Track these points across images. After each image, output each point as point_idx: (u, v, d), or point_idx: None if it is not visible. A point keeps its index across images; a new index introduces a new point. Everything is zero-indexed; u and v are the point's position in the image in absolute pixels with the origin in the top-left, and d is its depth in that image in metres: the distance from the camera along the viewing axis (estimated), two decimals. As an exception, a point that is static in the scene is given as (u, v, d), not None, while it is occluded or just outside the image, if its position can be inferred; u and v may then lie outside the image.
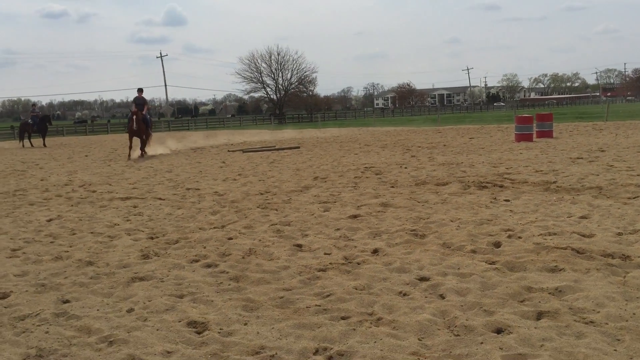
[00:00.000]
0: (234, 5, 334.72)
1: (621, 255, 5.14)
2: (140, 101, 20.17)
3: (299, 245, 6.14)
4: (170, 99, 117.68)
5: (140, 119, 19.64)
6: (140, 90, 20.36)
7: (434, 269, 5.03)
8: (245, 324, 3.95)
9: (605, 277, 4.59)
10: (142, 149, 20.29)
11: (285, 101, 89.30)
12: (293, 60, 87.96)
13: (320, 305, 4.23)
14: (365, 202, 8.63)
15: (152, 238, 6.76)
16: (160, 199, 9.85)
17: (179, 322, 4.03)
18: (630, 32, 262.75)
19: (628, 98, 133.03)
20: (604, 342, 3.41)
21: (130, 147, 20.27)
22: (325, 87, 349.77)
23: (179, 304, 4.40)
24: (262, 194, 9.96)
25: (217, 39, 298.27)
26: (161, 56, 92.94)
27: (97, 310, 4.35)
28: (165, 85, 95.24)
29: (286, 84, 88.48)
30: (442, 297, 4.35)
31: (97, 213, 8.64)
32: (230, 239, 6.56)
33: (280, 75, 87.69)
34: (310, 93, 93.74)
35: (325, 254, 5.77)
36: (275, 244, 6.25)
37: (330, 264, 5.34)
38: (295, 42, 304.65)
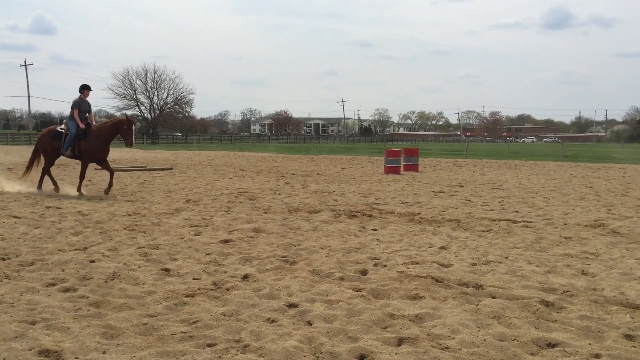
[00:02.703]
0: (108, 17, 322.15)
1: (475, 285, 5.51)
2: (87, 107, 13.04)
3: (167, 270, 5.95)
4: (33, 111, 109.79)
5: (96, 135, 12.70)
6: (86, 88, 13.01)
7: (302, 296, 5.08)
8: (104, 353, 3.73)
9: (460, 305, 4.90)
10: (80, 183, 12.87)
11: (159, 121, 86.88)
12: (170, 80, 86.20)
13: (186, 332, 4.10)
14: (238, 227, 8.57)
15: (3, 259, 6.22)
16: (15, 217, 9.12)
17: (30, 350, 3.73)
18: (488, 77, 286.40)
19: (487, 139, 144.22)
20: (457, 367, 3.62)
21: (52, 179, 13.22)
22: (202, 109, 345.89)
23: (30, 330, 4.07)
24: (130, 215, 9.55)
25: (89, 52, 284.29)
26: (25, 65, 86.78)
27: None
28: (29, 96, 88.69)
29: (161, 103, 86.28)
30: (309, 323, 4.40)
31: (-61, 230, 7.80)
32: (93, 261, 6.20)
33: (155, 94, 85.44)
34: (187, 114, 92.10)
35: (194, 279, 5.63)
36: (142, 267, 6.00)
37: (199, 289, 5.22)
38: (173, 62, 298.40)
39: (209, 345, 3.90)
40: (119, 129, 12.82)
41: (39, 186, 12.99)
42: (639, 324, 4.48)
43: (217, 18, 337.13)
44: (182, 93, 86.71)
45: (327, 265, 6.23)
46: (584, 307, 4.88)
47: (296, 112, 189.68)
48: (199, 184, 15.37)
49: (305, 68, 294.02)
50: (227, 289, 5.27)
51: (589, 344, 4.03)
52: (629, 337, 4.19)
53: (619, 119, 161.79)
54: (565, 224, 9.31)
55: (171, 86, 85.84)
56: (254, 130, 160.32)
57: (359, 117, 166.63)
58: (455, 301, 4.98)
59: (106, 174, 15.77)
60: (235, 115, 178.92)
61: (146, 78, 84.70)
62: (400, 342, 4.04)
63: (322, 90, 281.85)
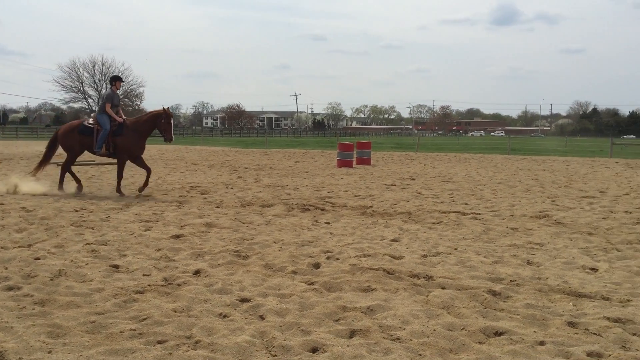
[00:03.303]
0: (54, 7, 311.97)
1: (425, 276, 5.61)
2: (118, 101, 12.05)
3: (116, 266, 5.82)
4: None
5: (133, 130, 11.75)
6: (118, 80, 12.16)
7: (255, 290, 5.06)
8: (50, 352, 3.63)
9: (411, 296, 4.97)
10: (119, 182, 11.90)
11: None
12: (119, 72, 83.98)
13: (135, 330, 4.03)
14: (189, 221, 8.46)
15: (-59, 258, 5.96)
16: (-46, 213, 8.75)
17: (-30, 352, 3.59)
18: (438, 72, 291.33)
19: (439, 132, 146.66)
20: (407, 358, 3.68)
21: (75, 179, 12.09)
22: (153, 102, 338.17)
23: (-30, 332, 3.92)
24: (77, 210, 9.30)
25: (33, 43, 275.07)
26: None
27: None
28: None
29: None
30: (262, 318, 4.39)
31: None
32: (38, 259, 6.01)
33: (104, 86, 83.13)
34: (137, 107, 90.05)
35: (144, 275, 5.53)
36: (89, 264, 5.86)
37: (149, 285, 5.13)
38: (122, 54, 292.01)
39: (159, 342, 3.85)
40: (157, 123, 11.76)
41: (60, 186, 11.77)
42: (581, 311, 4.65)
43: (167, 10, 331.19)
44: (131, 86, 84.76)
45: (280, 259, 6.22)
46: (529, 296, 5.02)
47: (249, 106, 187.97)
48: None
49: (258, 61, 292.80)
50: (178, 285, 5.20)
51: (534, 331, 4.15)
52: (571, 324, 4.34)
53: (563, 113, 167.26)
54: (512, 216, 9.57)
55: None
56: (206, 124, 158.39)
57: (312, 111, 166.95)
58: (406, 292, 5.05)
59: (51, 168, 15.06)
60: (187, 109, 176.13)
61: (94, 70, 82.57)
62: (352, 334, 4.07)
63: (275, 84, 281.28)
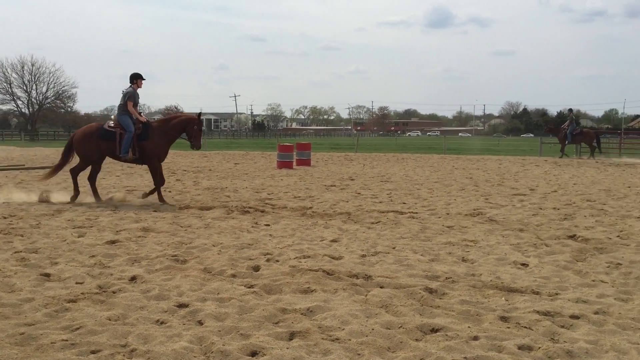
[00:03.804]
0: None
1: (364, 275, 5.68)
2: (138, 100, 11.27)
3: (47, 275, 5.61)
4: None
5: (161, 133, 11.08)
6: (139, 78, 11.31)
7: (193, 295, 4.99)
8: (-25, 368, 3.47)
9: (350, 296, 5.02)
10: (159, 191, 11.15)
11: (39, 116, 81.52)
12: (50, 73, 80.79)
13: (67, 340, 3.90)
14: (125, 226, 8.25)
15: None
16: None
17: None
18: (376, 73, 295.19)
19: (380, 133, 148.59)
20: (346, 358, 3.71)
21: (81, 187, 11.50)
22: (86, 104, 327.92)
23: None
24: (5, 217, 8.91)
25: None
26: None
27: None
28: None
29: (41, 97, 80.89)
30: (200, 323, 4.33)
31: None
32: (-38, 269, 5.72)
33: (34, 88, 79.98)
34: (69, 109, 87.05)
35: (77, 283, 5.36)
36: (18, 273, 5.62)
37: (82, 294, 4.97)
38: (53, 54, 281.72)
39: (93, 352, 3.73)
40: (187, 129, 11.09)
41: (97, 197, 11.08)
42: (512, 306, 4.82)
43: (101, 8, 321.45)
44: (63, 87, 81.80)
45: (219, 262, 6.16)
46: (464, 292, 5.17)
47: (187, 107, 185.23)
48: (82, 182, 14.60)
49: (196, 62, 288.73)
50: (113, 292, 5.07)
51: (468, 327, 4.28)
52: (503, 318, 4.49)
53: (496, 114, 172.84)
54: (448, 214, 9.81)
55: (51, 79, 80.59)
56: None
57: (251, 112, 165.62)
58: (346, 293, 5.10)
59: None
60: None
61: (23, 71, 79.03)
62: (291, 336, 4.08)
63: (214, 85, 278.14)
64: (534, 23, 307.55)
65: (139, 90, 11.27)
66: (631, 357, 3.75)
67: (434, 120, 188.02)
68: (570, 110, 30.84)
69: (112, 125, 10.98)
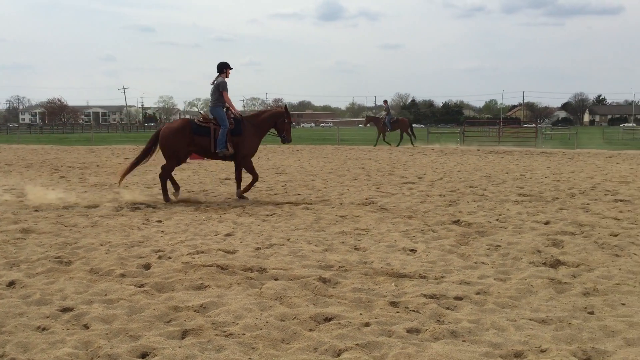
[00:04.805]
0: None
1: (259, 268, 5.67)
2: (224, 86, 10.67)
3: None
4: None
5: (254, 128, 10.81)
6: (227, 67, 10.83)
7: (79, 298, 4.75)
8: None
9: (244, 290, 5.00)
10: (240, 187, 10.92)
11: None
12: None
13: None
14: (2, 228, 7.69)
15: None
16: None
17: None
18: (270, 65, 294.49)
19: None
20: (240, 352, 3.69)
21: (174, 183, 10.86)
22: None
23: None
24: None
25: None
26: None
27: None
28: None
29: None
30: (86, 327, 4.13)
31: None
32: None
33: None
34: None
35: (-55, 292, 4.93)
36: None
37: (-48, 303, 4.58)
38: None
39: (-35, 366, 3.46)
40: (277, 123, 10.86)
41: (167, 196, 10.40)
42: (402, 291, 5.01)
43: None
44: None
45: (107, 262, 5.91)
46: (356, 280, 5.30)
47: (72, 100, 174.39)
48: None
49: (81, 53, 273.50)
50: (-11, 300, 4.71)
51: (360, 314, 4.39)
52: (393, 304, 4.65)
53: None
54: (341, 204, 10.02)
55: None
56: (24, 120, 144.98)
57: (142, 105, 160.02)
58: (240, 287, 5.07)
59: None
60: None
61: None
62: (184, 334, 4.00)
63: (101, 77, 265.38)
64: (421, 17, 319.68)
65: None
66: (509, 334, 4.02)
67: (327, 111, 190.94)
68: (385, 101, 32.57)
69: (202, 120, 10.57)
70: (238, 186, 10.86)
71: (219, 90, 10.49)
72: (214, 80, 10.65)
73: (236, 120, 10.59)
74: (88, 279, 5.33)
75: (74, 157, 23.24)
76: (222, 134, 10.35)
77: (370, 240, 7.05)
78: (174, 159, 10.61)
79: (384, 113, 31.50)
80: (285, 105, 11.47)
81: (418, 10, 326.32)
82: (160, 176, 10.71)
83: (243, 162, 10.76)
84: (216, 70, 10.75)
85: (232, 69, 10.81)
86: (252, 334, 3.97)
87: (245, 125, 10.66)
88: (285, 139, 11.00)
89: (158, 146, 10.74)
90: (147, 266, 5.82)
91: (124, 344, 3.80)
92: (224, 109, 10.58)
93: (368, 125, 34.22)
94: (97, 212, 9.14)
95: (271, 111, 11.35)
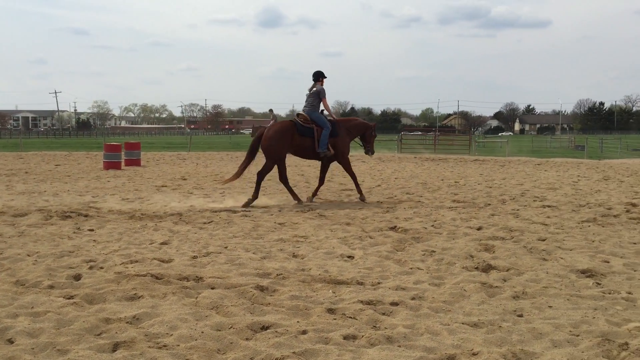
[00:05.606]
0: None
1: (195, 277, 5.57)
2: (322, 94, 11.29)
3: None
4: None
5: (347, 132, 11.60)
6: (323, 76, 11.38)
7: (3, 311, 4.52)
8: None
9: (180, 299, 4.89)
10: (318, 190, 11.86)
11: None
12: None
13: None
14: None
15: None
16: None
17: None
18: (209, 71, 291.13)
19: (214, 132, 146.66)
20: (174, 363, 3.61)
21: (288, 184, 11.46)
22: None
23: None
24: None
25: None
26: None
27: None
28: None
29: None
30: (10, 341, 3.94)
31: None
32: None
33: None
34: None
35: None
36: None
37: None
38: None
39: None
40: (366, 133, 11.80)
41: (296, 197, 11.21)
42: (339, 297, 5.03)
43: None
44: None
45: (34, 273, 5.66)
46: (294, 288, 5.29)
47: (0, 104, 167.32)
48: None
49: (9, 55, 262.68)
50: None
51: (297, 322, 4.38)
52: (330, 310, 4.66)
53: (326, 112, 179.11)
54: (280, 211, 9.99)
55: None
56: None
57: (75, 110, 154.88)
58: (175, 296, 4.96)
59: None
60: None
61: None
62: (115, 347, 3.87)
63: (31, 80, 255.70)
64: (359, 26, 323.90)
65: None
66: (443, 338, 4.10)
67: (267, 118, 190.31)
68: (271, 110, 33.24)
69: (302, 121, 11.01)
70: (318, 188, 11.69)
71: (319, 97, 11.11)
72: (312, 88, 11.20)
73: (332, 123, 11.18)
74: (13, 291, 5.09)
75: (1, 164, 22.23)
76: (324, 135, 10.93)
77: (309, 247, 7.05)
78: (275, 159, 11.02)
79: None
80: (374, 123, 12.79)
81: (357, 20, 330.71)
82: (258, 173, 11.10)
83: (343, 161, 11.49)
84: (312, 78, 11.31)
85: (326, 77, 11.44)
86: (186, 344, 3.89)
87: (340, 128, 11.32)
88: (370, 150, 11.93)
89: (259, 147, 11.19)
90: (78, 277, 5.62)
91: (51, 359, 3.64)
92: (322, 114, 11.21)
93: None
94: (24, 220, 8.76)
95: (360, 121, 12.21)
